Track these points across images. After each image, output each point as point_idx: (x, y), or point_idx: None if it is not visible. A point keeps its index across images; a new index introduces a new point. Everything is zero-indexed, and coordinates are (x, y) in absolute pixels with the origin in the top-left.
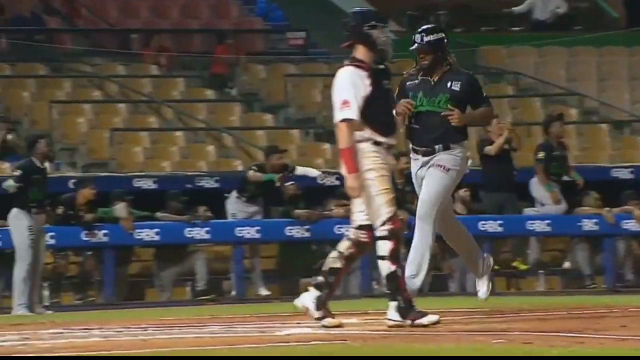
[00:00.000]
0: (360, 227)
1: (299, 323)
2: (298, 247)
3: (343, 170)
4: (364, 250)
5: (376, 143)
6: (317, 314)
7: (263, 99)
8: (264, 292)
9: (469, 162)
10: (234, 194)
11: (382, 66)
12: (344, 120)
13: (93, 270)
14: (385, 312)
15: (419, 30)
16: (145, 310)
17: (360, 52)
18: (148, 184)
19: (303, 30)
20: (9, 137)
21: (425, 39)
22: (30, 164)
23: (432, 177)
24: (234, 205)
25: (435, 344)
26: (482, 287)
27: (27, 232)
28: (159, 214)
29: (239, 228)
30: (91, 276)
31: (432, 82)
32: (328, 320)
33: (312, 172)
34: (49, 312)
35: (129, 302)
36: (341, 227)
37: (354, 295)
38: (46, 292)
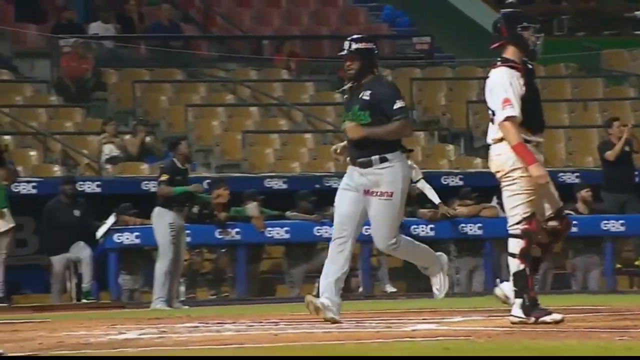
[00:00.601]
0: (551, 218)
1: (425, 319)
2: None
3: (513, 164)
4: (559, 238)
5: (525, 141)
6: (531, 320)
7: None
8: (390, 289)
9: (413, 171)
10: None
11: (530, 66)
12: (507, 118)
13: (226, 267)
14: (503, 311)
15: (349, 38)
16: (276, 306)
17: (511, 52)
18: (278, 185)
19: (428, 35)
20: (148, 139)
21: (354, 46)
22: (172, 165)
23: (378, 212)
24: None
25: (559, 341)
26: (436, 284)
27: (169, 230)
28: (288, 213)
29: (366, 227)
30: (225, 273)
31: (352, 95)
32: (550, 317)
33: (433, 197)
34: (185, 307)
35: (261, 297)
36: (465, 227)
37: (478, 293)
38: (182, 288)
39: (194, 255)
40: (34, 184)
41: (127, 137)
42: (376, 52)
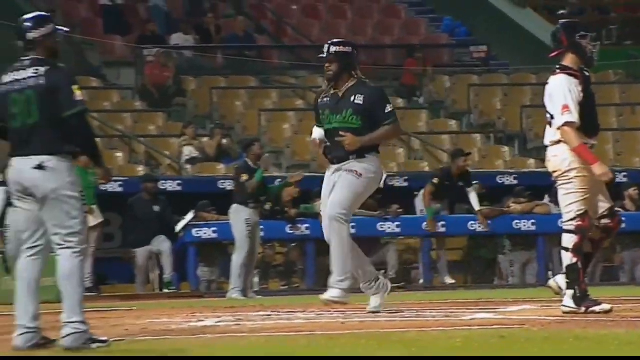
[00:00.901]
0: (604, 216)
1: (481, 309)
2: (481, 240)
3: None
4: (611, 235)
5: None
6: (582, 310)
7: (448, 106)
8: (449, 280)
9: (384, 175)
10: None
11: (587, 73)
12: (566, 123)
13: (297, 260)
14: (555, 301)
15: (329, 42)
16: None
17: (570, 60)
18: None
19: (485, 44)
20: (224, 141)
21: (333, 49)
22: (245, 165)
23: (343, 181)
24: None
25: (607, 330)
26: (374, 302)
27: (245, 225)
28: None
29: (426, 223)
30: (295, 265)
31: (339, 98)
32: (599, 308)
33: (475, 204)
34: (259, 296)
35: (325, 288)
36: (519, 223)
37: (531, 284)
38: (256, 279)
39: (267, 249)
40: (120, 182)
41: (205, 139)
42: (355, 56)
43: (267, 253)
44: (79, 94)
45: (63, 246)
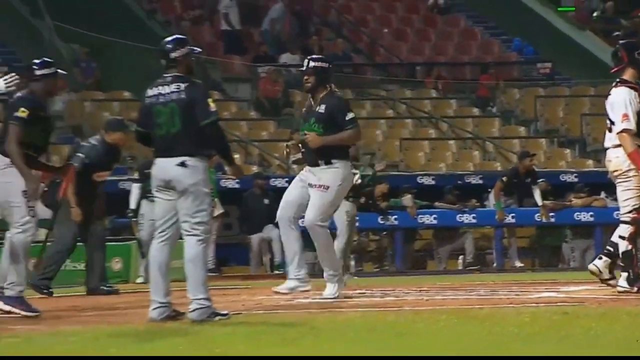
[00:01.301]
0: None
1: (547, 289)
2: (546, 229)
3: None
4: None
5: (638, 146)
6: (634, 290)
7: (517, 115)
8: (518, 264)
9: (356, 176)
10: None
11: None
12: (625, 130)
13: (387, 246)
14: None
15: (308, 57)
16: (426, 277)
17: (630, 74)
18: (428, 181)
19: (549, 61)
20: None
21: (312, 64)
22: None
23: (315, 197)
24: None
25: None
26: (328, 290)
27: (345, 216)
28: (437, 204)
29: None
30: (386, 251)
31: (312, 108)
32: None
33: (538, 199)
34: (355, 277)
35: (415, 270)
36: (579, 215)
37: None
38: (352, 263)
39: (362, 237)
40: (237, 180)
41: None
42: (330, 70)
43: (362, 240)
44: (213, 106)
45: (190, 233)
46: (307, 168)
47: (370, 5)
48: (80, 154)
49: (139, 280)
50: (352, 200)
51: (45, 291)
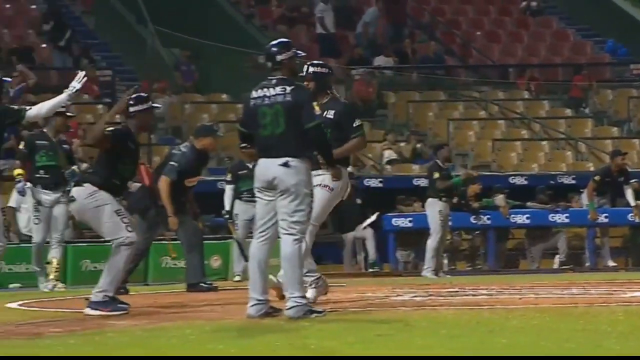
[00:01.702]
0: None
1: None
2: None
3: None
4: None
5: None
6: None
7: (610, 115)
8: (611, 263)
9: (348, 187)
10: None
11: None
12: None
13: (480, 245)
14: None
15: (308, 62)
16: (519, 276)
17: None
18: (520, 181)
19: None
20: (418, 146)
21: (311, 69)
22: (436, 165)
23: (317, 196)
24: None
25: None
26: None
27: (438, 215)
28: (529, 204)
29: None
30: (478, 250)
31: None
32: None
33: (631, 200)
34: (448, 276)
35: (507, 269)
36: None
37: None
38: (445, 261)
39: (455, 236)
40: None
41: (402, 144)
42: (329, 75)
43: (455, 239)
44: (317, 109)
45: (287, 232)
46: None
47: (463, 8)
48: (173, 163)
49: (237, 278)
50: (445, 200)
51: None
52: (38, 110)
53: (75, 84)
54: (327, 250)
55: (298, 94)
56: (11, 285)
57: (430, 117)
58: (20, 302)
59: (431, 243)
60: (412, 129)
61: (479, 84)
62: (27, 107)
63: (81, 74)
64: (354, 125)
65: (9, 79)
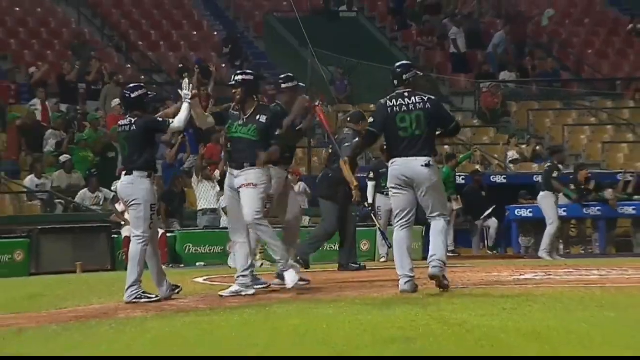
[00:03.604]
0: None
1: None
2: None
3: None
4: None
5: None
6: None
7: None
8: None
9: (272, 181)
10: None
11: None
12: None
13: (591, 232)
14: None
15: (236, 72)
16: (628, 259)
17: None
18: (627, 178)
19: None
20: (537, 148)
21: (238, 77)
22: (554, 165)
23: (245, 196)
24: None
25: None
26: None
27: (554, 206)
28: (635, 197)
29: None
30: (589, 236)
31: (246, 114)
32: None
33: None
34: (562, 258)
35: (617, 254)
36: None
37: None
38: (560, 246)
39: (565, 224)
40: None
41: (523, 146)
42: (256, 82)
43: (568, 227)
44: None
45: (438, 217)
46: (228, 175)
47: (576, 30)
48: (347, 144)
49: (382, 259)
50: (556, 192)
51: (304, 265)
52: (178, 122)
53: (185, 92)
54: (461, 236)
55: (433, 104)
56: (197, 264)
57: (547, 123)
58: (206, 277)
59: (550, 230)
60: (532, 134)
61: (590, 94)
62: (170, 120)
63: (185, 81)
64: (276, 134)
65: (152, 93)
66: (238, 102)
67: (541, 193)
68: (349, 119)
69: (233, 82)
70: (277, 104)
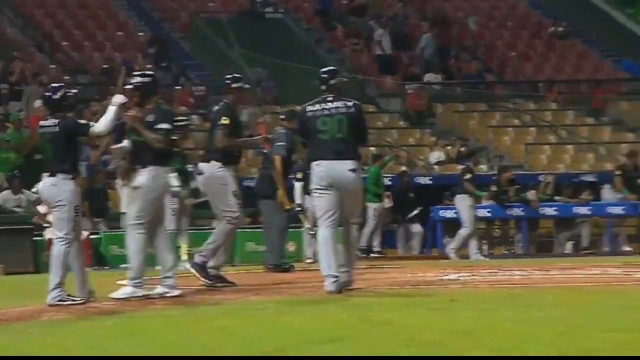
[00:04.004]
0: None
1: None
2: None
3: None
4: None
5: None
6: None
7: (626, 123)
8: (627, 248)
9: (171, 181)
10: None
11: None
12: None
13: (514, 233)
14: None
15: (134, 74)
16: (548, 260)
17: None
18: (548, 179)
19: None
20: (462, 149)
21: (136, 79)
22: (469, 167)
23: (131, 196)
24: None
25: None
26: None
27: (469, 209)
28: (557, 197)
29: (609, 207)
30: (513, 236)
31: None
32: None
33: None
34: (486, 258)
35: (539, 254)
36: None
37: None
38: (485, 247)
39: (492, 225)
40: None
41: (449, 147)
42: (152, 83)
43: (492, 228)
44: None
45: (352, 224)
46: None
47: (500, 33)
48: (280, 143)
49: (308, 260)
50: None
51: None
52: (100, 126)
53: (116, 99)
54: (386, 236)
55: (356, 109)
56: (122, 266)
57: (472, 124)
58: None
59: (463, 232)
60: (457, 135)
61: (513, 96)
62: (92, 123)
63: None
64: (161, 126)
65: (73, 91)
66: (136, 104)
67: (457, 196)
68: (282, 117)
69: (130, 85)
70: (225, 103)
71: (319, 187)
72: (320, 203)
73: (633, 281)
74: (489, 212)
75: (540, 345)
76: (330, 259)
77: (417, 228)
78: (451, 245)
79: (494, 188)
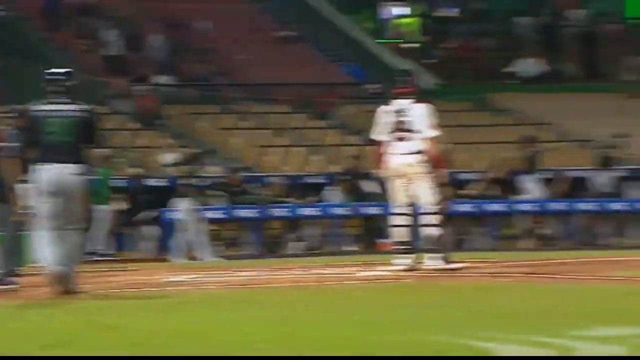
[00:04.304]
0: None
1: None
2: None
3: None
4: None
5: None
6: None
7: (351, 126)
8: (352, 248)
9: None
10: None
11: None
12: None
13: (247, 233)
14: None
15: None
16: (276, 260)
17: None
18: (281, 180)
19: (379, 83)
20: (196, 151)
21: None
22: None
23: None
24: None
25: None
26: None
27: (189, 211)
28: (287, 199)
29: (335, 208)
30: (242, 238)
31: None
32: None
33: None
34: (218, 259)
35: (268, 255)
36: None
37: None
38: (217, 248)
39: (223, 225)
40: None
41: (185, 149)
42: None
43: (222, 229)
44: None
45: (73, 230)
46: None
47: (232, 36)
48: (11, 144)
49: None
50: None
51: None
52: None
53: None
54: (118, 238)
55: (87, 112)
56: None
57: (204, 126)
58: None
59: (188, 235)
60: (189, 137)
61: (244, 99)
62: None
63: None
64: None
65: None
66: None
67: (177, 198)
68: (12, 115)
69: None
70: None
71: (42, 191)
72: (43, 208)
73: (355, 279)
74: (224, 213)
75: (269, 344)
76: (53, 253)
77: (151, 230)
78: (177, 248)
79: (223, 190)
